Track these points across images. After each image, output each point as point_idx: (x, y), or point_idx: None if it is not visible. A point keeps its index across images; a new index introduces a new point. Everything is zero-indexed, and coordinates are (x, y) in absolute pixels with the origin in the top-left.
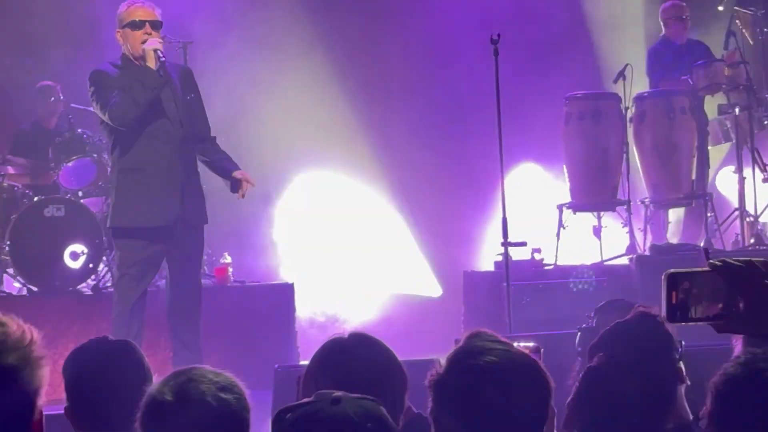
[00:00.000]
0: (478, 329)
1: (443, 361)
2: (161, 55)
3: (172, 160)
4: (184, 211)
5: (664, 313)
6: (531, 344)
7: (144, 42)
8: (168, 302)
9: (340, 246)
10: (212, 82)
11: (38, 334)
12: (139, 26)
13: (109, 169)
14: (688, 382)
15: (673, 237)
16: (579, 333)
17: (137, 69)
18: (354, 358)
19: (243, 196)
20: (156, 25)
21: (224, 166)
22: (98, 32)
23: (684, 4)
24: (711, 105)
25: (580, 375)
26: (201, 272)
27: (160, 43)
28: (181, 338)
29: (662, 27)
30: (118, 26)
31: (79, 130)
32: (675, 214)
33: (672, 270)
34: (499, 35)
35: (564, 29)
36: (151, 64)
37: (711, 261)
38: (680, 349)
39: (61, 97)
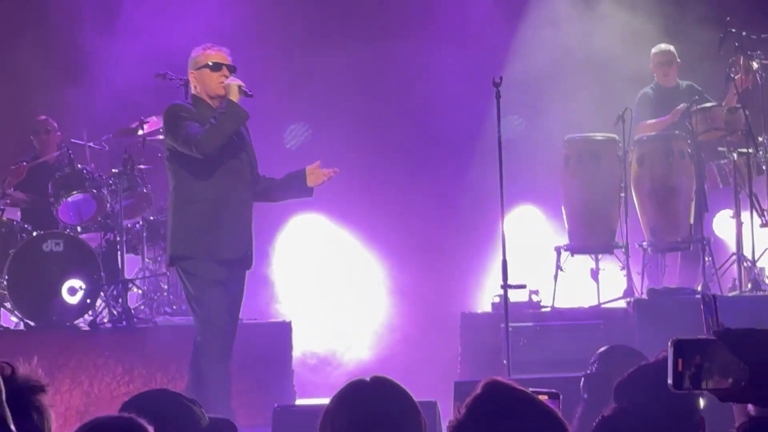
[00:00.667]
0: (494, 377)
1: (462, 407)
2: (247, 91)
3: (244, 197)
4: (251, 249)
5: (670, 380)
6: (551, 391)
7: (221, 83)
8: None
9: (336, 286)
10: None
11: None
12: (217, 68)
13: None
14: None
15: (670, 281)
16: (583, 379)
17: (211, 109)
18: (374, 402)
19: (328, 178)
20: (231, 69)
21: (286, 176)
22: (90, 69)
23: (671, 48)
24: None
25: (594, 424)
26: None
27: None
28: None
29: (652, 71)
30: (191, 68)
31: (79, 166)
32: (673, 258)
33: (678, 337)
34: (501, 78)
35: (563, 69)
36: (235, 98)
37: (715, 330)
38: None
39: (56, 126)
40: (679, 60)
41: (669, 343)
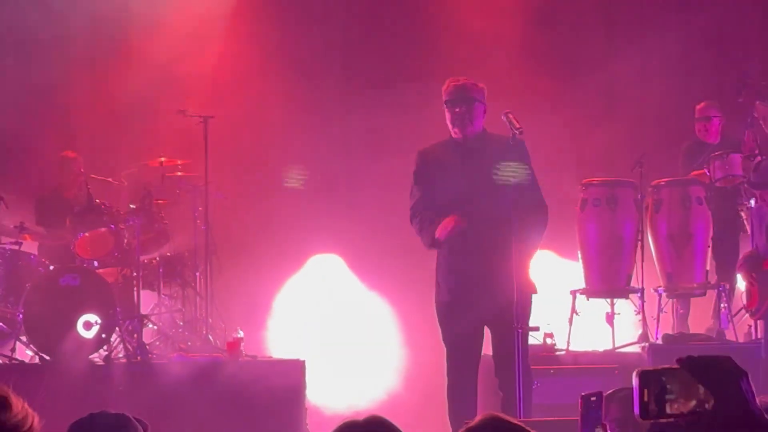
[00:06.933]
0: (492, 413)
1: None
2: (515, 123)
3: (475, 238)
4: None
5: (637, 410)
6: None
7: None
8: None
9: (352, 325)
10: (231, 157)
11: (39, 422)
12: (448, 106)
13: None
14: None
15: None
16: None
17: (457, 146)
18: None
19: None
20: (455, 104)
21: None
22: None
23: (712, 104)
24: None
25: None
26: None
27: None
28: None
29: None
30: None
31: (97, 201)
32: (694, 303)
33: (643, 368)
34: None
35: (580, 114)
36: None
37: (678, 357)
38: None
39: (82, 169)
40: (719, 116)
41: (634, 374)
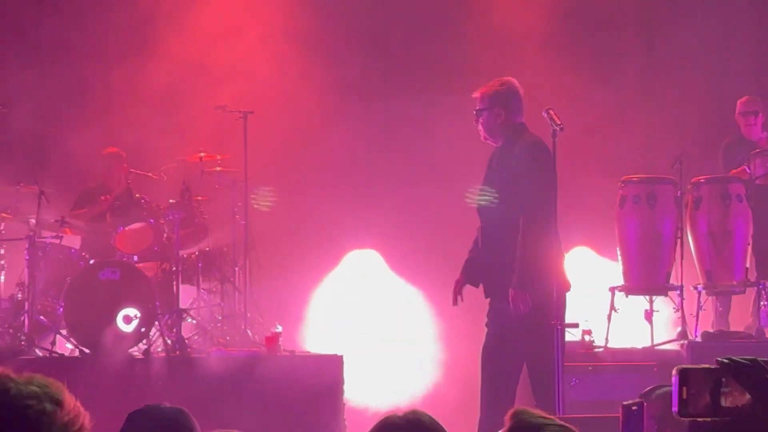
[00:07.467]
0: (521, 407)
1: None
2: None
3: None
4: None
5: (675, 408)
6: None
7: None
8: None
9: (390, 321)
10: (269, 152)
11: (90, 422)
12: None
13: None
14: None
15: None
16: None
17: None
18: None
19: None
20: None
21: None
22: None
23: (756, 99)
24: None
25: None
26: None
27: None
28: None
29: (737, 121)
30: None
31: (137, 195)
32: (733, 301)
33: (683, 366)
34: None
35: (617, 112)
36: None
37: (718, 359)
38: None
39: (124, 156)
40: (763, 111)
41: (674, 371)
